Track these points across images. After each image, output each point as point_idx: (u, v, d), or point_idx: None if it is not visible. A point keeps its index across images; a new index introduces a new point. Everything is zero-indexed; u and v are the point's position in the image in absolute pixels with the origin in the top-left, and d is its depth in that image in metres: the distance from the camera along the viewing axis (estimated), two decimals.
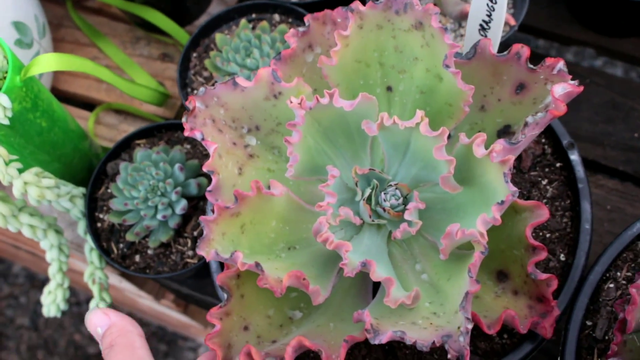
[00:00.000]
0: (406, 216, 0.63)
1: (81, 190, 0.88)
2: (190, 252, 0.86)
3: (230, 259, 0.58)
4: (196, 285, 1.04)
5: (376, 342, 0.57)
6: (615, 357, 0.58)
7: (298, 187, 0.71)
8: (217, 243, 0.60)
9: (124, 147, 0.94)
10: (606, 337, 0.68)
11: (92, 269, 0.95)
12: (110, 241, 0.89)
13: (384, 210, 0.66)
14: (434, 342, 0.56)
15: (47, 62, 0.72)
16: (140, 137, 0.95)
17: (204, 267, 0.86)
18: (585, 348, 0.68)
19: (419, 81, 0.68)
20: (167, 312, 1.62)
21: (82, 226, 0.92)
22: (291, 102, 0.63)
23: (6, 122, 0.69)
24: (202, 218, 0.60)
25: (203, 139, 0.66)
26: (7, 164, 0.69)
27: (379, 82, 0.70)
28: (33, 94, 0.75)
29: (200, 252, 0.59)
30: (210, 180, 0.86)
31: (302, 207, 0.69)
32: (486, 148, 0.58)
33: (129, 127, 1.11)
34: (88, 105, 1.16)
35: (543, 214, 0.65)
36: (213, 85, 0.99)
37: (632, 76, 1.22)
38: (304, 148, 0.65)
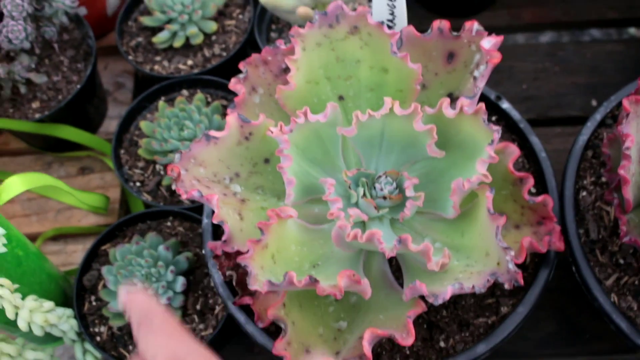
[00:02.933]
0: (407, 194, 0.68)
1: (70, 310, 0.85)
2: (201, 326, 0.86)
3: (285, 281, 0.60)
4: None
5: (440, 301, 0.61)
6: (628, 236, 0.66)
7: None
8: (261, 276, 0.62)
9: (92, 259, 0.93)
10: (600, 236, 0.76)
11: None
12: (117, 349, 0.87)
13: (385, 198, 0.70)
14: (488, 281, 0.61)
15: (15, 184, 0.71)
16: (103, 243, 0.94)
17: (217, 337, 0.86)
18: (589, 252, 0.76)
19: (366, 80, 0.74)
20: None
21: (79, 349, 0.89)
22: (272, 132, 0.67)
23: (4, 249, 0.67)
24: (240, 258, 0.61)
25: (202, 196, 0.68)
26: (12, 292, 0.67)
27: (330, 95, 0.75)
28: (3, 223, 0.74)
29: (254, 287, 0.61)
30: (195, 254, 0.87)
31: (308, 228, 0.72)
32: None
33: (76, 247, 1.08)
34: None
35: (514, 150, 0.73)
36: (155, 167, 1.00)
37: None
38: (294, 172, 0.69)
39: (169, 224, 0.94)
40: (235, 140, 0.72)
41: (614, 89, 0.85)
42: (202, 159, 0.71)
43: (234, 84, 0.76)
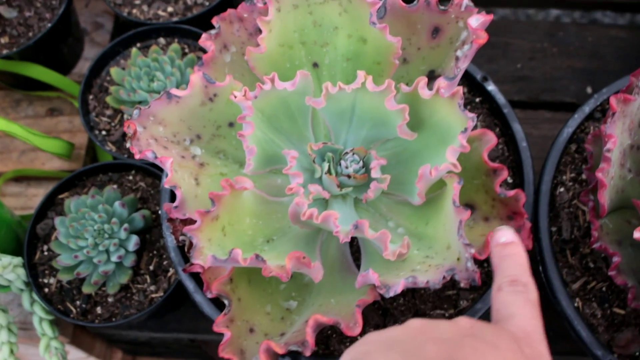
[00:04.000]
0: (373, 174, 0.65)
1: (19, 259, 0.82)
2: (152, 288, 0.83)
3: (230, 259, 0.57)
4: (157, 326, 1.00)
5: (391, 294, 0.58)
6: (598, 242, 0.62)
7: (255, 183, 0.71)
8: (207, 249, 0.59)
9: (48, 206, 0.89)
10: (572, 236, 0.73)
11: (47, 340, 0.89)
12: (64, 302, 0.84)
13: (349, 177, 0.66)
14: (444, 278, 0.58)
15: None
16: (61, 192, 0.90)
17: (169, 299, 0.83)
18: (558, 252, 0.73)
19: (343, 49, 0.70)
20: None
21: (26, 298, 0.86)
22: (235, 96, 0.63)
23: None
24: (186, 229, 0.58)
25: (156, 157, 0.64)
26: None
27: (304, 61, 0.71)
28: None
29: (196, 261, 0.57)
30: (151, 211, 0.84)
31: (267, 200, 0.68)
32: None
33: (37, 191, 1.05)
34: None
35: (491, 138, 0.69)
36: (122, 117, 0.96)
37: (500, 15, 1.32)
38: (256, 140, 0.65)
39: (130, 177, 0.91)
40: (198, 101, 0.68)
41: (612, 77, 0.81)
42: (161, 117, 0.67)
43: (204, 40, 0.72)
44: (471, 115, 0.59)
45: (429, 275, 0.59)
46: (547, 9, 1.36)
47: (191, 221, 0.67)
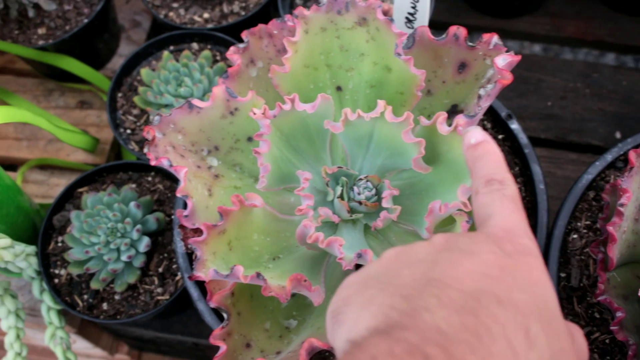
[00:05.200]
0: (384, 204, 0.65)
1: (33, 248, 0.84)
2: (159, 290, 0.84)
3: (231, 275, 0.57)
4: (162, 326, 1.01)
5: None
6: (603, 295, 0.62)
7: (267, 199, 0.72)
8: (211, 263, 0.59)
9: (67, 198, 0.91)
10: (581, 284, 0.72)
11: (53, 329, 0.91)
12: (72, 295, 0.85)
13: (360, 203, 0.67)
14: None
15: None
16: (81, 185, 0.92)
17: (174, 303, 0.84)
18: (565, 299, 0.72)
19: (368, 76, 0.70)
20: None
21: (36, 286, 0.88)
22: (254, 113, 0.64)
23: None
24: (192, 240, 0.59)
25: (171, 166, 0.65)
26: None
27: (328, 84, 0.72)
28: None
29: (198, 273, 0.58)
30: (166, 214, 0.85)
31: (277, 217, 0.69)
32: None
33: (59, 181, 1.07)
34: (9, 166, 1.11)
35: None
36: (147, 118, 0.98)
37: (535, 51, 1.31)
38: (271, 158, 0.66)
39: (150, 179, 0.92)
40: (219, 114, 0.69)
41: None
42: (181, 125, 0.68)
43: (231, 53, 0.73)
44: None
45: None
46: (583, 49, 1.35)
47: (201, 231, 0.68)
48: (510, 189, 0.45)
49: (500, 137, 0.83)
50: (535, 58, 1.20)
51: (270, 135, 0.64)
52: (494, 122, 0.84)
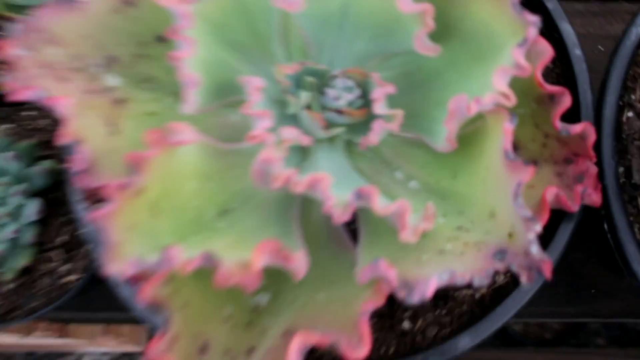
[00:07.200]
0: (376, 109, 0.48)
1: None
2: (66, 267, 0.68)
3: (164, 261, 0.38)
4: (80, 304, 0.84)
5: (416, 299, 0.41)
6: None
7: (200, 124, 0.52)
8: (130, 245, 0.41)
9: None
10: None
11: None
12: None
13: (340, 112, 0.48)
14: (492, 262, 0.41)
15: None
16: None
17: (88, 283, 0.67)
18: (628, 201, 0.58)
19: None
20: (39, 342, 1.40)
21: None
22: None
23: None
24: (93, 216, 0.39)
25: (48, 98, 0.45)
26: None
27: None
28: None
29: (111, 270, 0.39)
30: (59, 159, 0.66)
31: (220, 150, 0.52)
32: None
33: None
34: None
35: (545, 49, 0.52)
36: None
37: None
38: (200, 63, 0.46)
39: (28, 113, 0.73)
40: (109, 6, 0.51)
41: None
42: (57, 32, 0.51)
43: None
44: (533, 18, 0.41)
45: (467, 262, 0.42)
46: None
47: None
48: None
49: None
50: None
51: (194, 30, 0.45)
52: None
